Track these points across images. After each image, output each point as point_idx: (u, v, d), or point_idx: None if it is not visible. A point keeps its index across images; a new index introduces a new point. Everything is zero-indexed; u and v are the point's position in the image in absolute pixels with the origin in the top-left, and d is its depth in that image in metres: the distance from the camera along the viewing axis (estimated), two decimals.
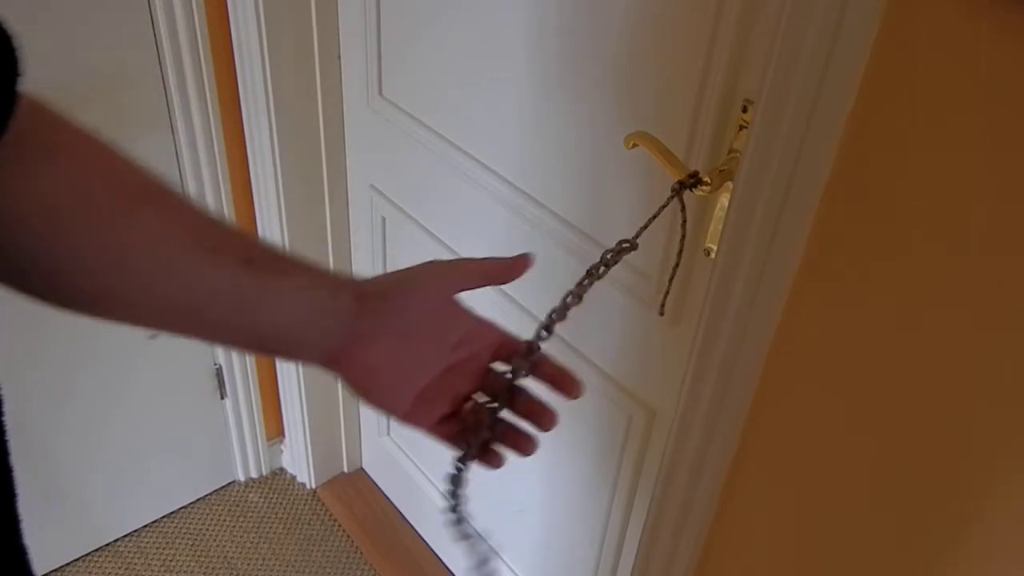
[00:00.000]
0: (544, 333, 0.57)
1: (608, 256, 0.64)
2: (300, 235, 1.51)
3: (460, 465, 0.55)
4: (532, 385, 0.57)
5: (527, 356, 0.55)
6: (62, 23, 1.23)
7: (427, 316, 0.52)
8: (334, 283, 0.51)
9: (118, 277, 0.44)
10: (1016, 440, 0.63)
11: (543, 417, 0.56)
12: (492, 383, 0.57)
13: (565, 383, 0.56)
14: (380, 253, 1.50)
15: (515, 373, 0.55)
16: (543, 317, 0.58)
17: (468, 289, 0.54)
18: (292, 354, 0.51)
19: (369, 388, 0.52)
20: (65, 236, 0.42)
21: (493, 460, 0.58)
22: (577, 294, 0.59)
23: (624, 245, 0.66)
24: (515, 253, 0.59)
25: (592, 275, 0.62)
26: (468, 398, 0.57)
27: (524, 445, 0.58)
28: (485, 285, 0.56)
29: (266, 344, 0.50)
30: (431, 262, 0.54)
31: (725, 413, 0.83)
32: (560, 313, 0.59)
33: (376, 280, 0.53)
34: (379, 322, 0.51)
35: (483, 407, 0.56)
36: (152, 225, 0.44)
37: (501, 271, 0.56)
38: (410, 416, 0.54)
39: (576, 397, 0.56)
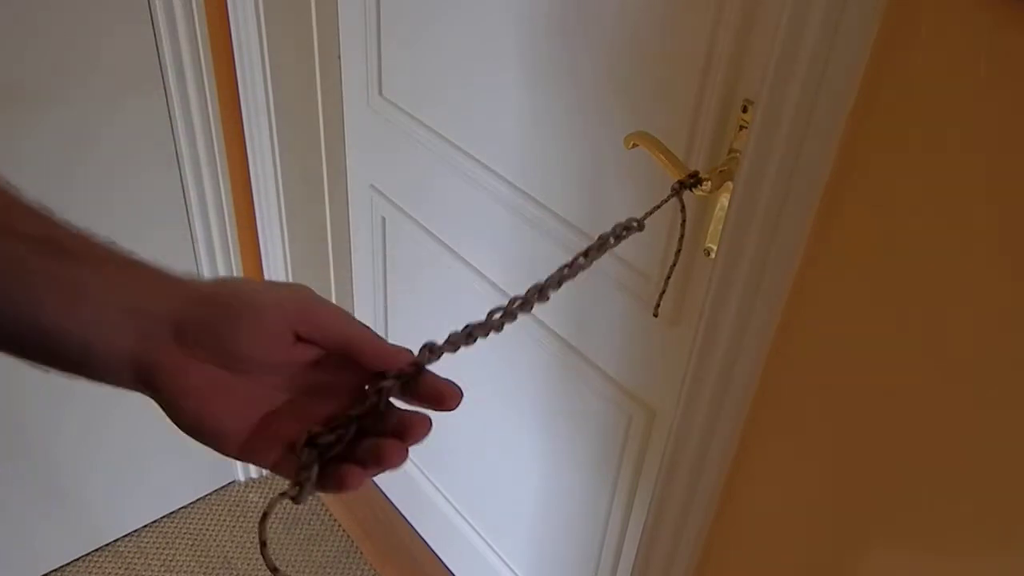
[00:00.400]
0: (435, 348, 0.46)
1: (619, 230, 0.61)
2: (300, 235, 1.51)
3: (292, 497, 0.45)
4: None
5: (412, 372, 0.45)
6: (61, 23, 1.23)
7: (265, 343, 0.42)
8: (152, 282, 0.42)
9: None
10: (1020, 440, 0.63)
11: (415, 429, 0.44)
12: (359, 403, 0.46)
13: (446, 398, 0.44)
14: (380, 253, 1.50)
15: (380, 393, 0.44)
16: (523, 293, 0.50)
17: (317, 344, 0.44)
18: (82, 370, 0.42)
19: (189, 418, 0.43)
20: None
21: (342, 482, 0.44)
22: (577, 266, 0.54)
23: (633, 223, 0.63)
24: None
25: (602, 246, 0.58)
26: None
27: (388, 458, 0.44)
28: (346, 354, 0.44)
29: (48, 354, 0.41)
30: (300, 289, 0.45)
31: (725, 413, 0.83)
32: (554, 284, 0.52)
33: (210, 288, 0.43)
34: (203, 340, 0.42)
35: (311, 442, 0.44)
36: None
37: (374, 356, 0.44)
38: (246, 453, 0.44)
39: (452, 408, 0.45)
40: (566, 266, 0.53)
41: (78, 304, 0.40)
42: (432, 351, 0.45)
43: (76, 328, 0.41)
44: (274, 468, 0.45)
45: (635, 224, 0.64)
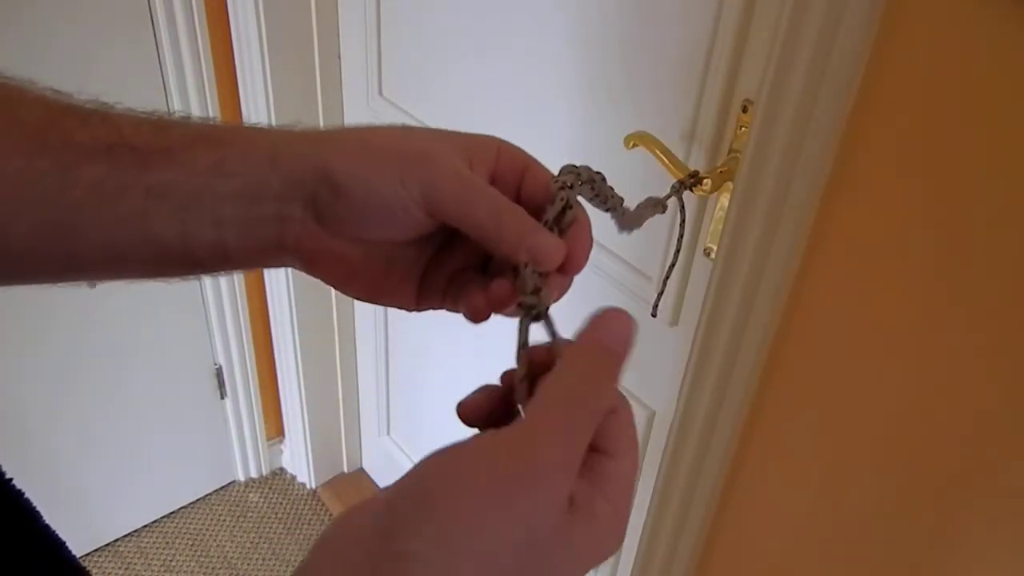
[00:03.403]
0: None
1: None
2: None
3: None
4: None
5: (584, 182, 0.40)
6: (59, 22, 1.23)
7: (396, 232, 0.38)
8: (254, 160, 0.37)
9: None
10: (1021, 440, 0.63)
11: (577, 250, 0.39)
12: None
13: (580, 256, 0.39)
14: None
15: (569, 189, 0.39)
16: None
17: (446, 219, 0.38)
18: (228, 266, 0.39)
19: (354, 293, 0.40)
20: None
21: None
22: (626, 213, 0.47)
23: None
24: None
25: (655, 204, 0.54)
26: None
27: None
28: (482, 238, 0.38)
29: (185, 260, 0.37)
30: (435, 136, 0.39)
31: (724, 413, 0.83)
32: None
33: (323, 162, 0.37)
34: (337, 226, 0.38)
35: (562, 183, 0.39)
36: None
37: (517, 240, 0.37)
38: (427, 304, 0.42)
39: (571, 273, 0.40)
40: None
41: (190, 208, 0.36)
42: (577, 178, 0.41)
43: (201, 233, 0.36)
44: (453, 307, 0.42)
45: (662, 206, 0.60)
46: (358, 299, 0.42)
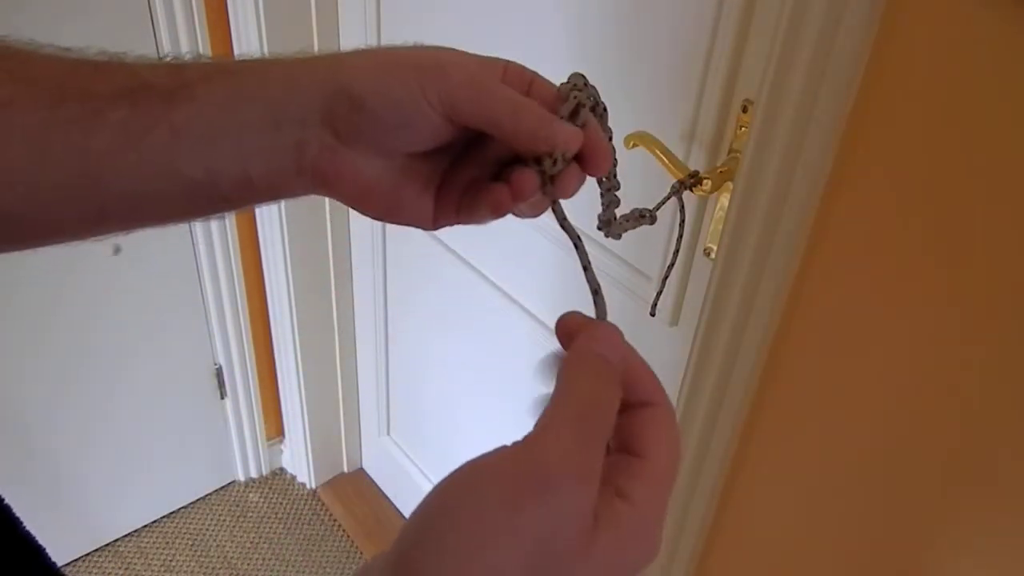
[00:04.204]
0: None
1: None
2: (300, 235, 1.51)
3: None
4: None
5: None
6: (60, 22, 1.23)
7: (416, 140, 0.39)
8: (273, 86, 0.37)
9: None
10: (1019, 440, 0.63)
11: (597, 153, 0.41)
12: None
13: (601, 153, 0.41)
14: (380, 253, 1.50)
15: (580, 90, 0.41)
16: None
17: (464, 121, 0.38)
18: (258, 198, 0.39)
19: (373, 212, 0.41)
20: None
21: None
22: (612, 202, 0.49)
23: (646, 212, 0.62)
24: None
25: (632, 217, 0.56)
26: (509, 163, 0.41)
27: (567, 184, 0.41)
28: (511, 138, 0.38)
29: (215, 200, 0.38)
30: (447, 49, 0.40)
31: (724, 413, 0.83)
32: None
33: (345, 78, 0.37)
34: (357, 140, 0.38)
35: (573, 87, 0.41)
36: None
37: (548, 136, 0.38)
38: (442, 220, 0.42)
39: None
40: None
41: (214, 141, 0.36)
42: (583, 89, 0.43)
43: (226, 166, 0.37)
44: (470, 219, 0.42)
45: (648, 214, 0.62)
46: (376, 218, 0.42)
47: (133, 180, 0.36)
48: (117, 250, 1.46)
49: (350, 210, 1.54)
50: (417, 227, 0.43)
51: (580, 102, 0.41)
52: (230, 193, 0.38)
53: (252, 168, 0.37)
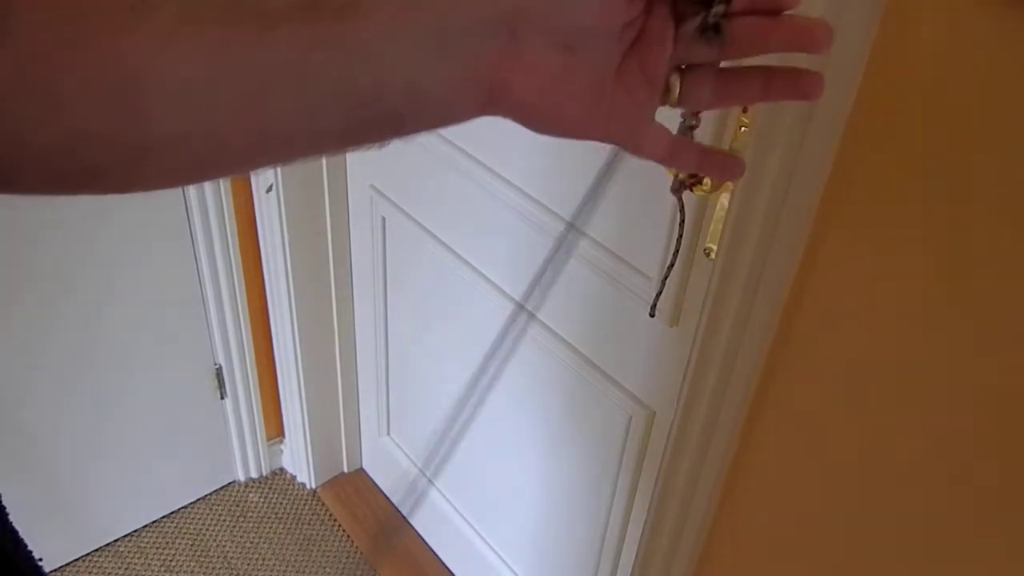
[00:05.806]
0: None
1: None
2: (300, 235, 1.51)
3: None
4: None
5: None
6: None
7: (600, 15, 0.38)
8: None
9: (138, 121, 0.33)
10: (1019, 441, 0.63)
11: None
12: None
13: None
14: (380, 253, 1.50)
15: None
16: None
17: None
18: (430, 114, 0.40)
19: (544, 122, 0.42)
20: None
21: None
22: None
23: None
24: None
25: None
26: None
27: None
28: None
29: (395, 124, 0.38)
30: None
31: (725, 413, 0.83)
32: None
33: None
34: (537, 32, 0.38)
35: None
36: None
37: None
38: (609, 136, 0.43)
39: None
40: None
41: (384, 54, 0.36)
42: None
43: (395, 78, 0.37)
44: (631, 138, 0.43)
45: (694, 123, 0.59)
46: (569, 130, 0.42)
47: (302, 95, 0.36)
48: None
49: (350, 209, 1.53)
50: (617, 127, 0.43)
51: None
52: (400, 106, 0.38)
53: (422, 80, 0.37)
